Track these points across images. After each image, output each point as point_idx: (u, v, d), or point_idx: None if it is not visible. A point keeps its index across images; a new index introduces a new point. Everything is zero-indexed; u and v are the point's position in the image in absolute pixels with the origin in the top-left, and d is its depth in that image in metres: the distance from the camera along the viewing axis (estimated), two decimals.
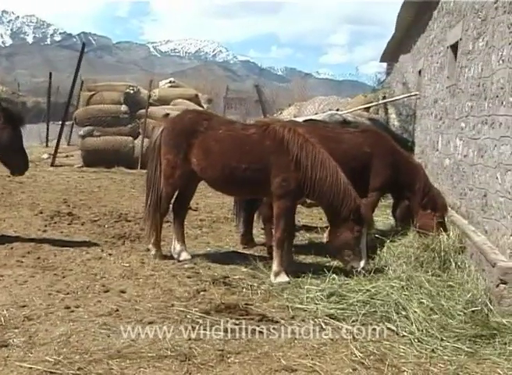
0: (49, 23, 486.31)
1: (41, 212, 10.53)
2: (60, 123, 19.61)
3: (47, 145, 23.38)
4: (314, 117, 14.32)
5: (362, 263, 6.92)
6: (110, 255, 7.91)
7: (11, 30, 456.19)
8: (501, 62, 7.04)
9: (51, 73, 26.56)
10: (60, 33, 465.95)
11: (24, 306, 5.77)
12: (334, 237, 7.12)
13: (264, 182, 7.17)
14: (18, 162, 8.30)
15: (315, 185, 7.02)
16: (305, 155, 7.04)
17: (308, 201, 8.31)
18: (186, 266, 7.52)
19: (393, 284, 6.45)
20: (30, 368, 4.50)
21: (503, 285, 6.06)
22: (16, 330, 5.18)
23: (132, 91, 19.14)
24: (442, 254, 7.58)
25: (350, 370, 4.78)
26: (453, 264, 7.43)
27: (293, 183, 7.06)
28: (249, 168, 7.18)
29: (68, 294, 6.23)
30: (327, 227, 7.63)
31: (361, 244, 6.96)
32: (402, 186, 8.84)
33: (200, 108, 17.86)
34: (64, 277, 6.81)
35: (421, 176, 8.88)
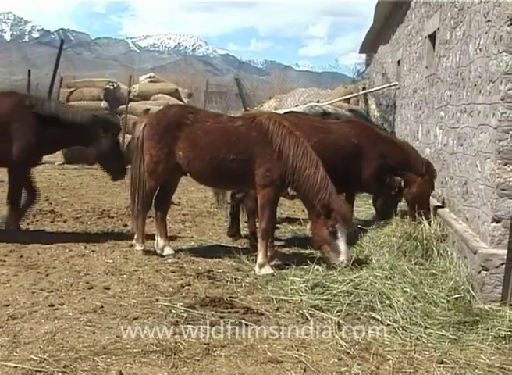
0: (27, 19, 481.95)
1: None
2: None
3: None
4: (294, 109, 14.34)
5: (341, 258, 6.87)
6: (93, 251, 7.89)
7: None
8: (478, 51, 7.09)
9: (29, 71, 26.25)
10: (38, 30, 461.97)
11: (8, 305, 5.74)
12: (313, 234, 7.15)
13: (251, 173, 7.24)
14: (119, 169, 8.78)
15: (294, 175, 7.08)
16: (287, 145, 7.10)
17: (291, 193, 8.34)
18: (169, 260, 7.52)
19: (377, 274, 6.49)
20: (16, 367, 4.47)
21: (485, 272, 6.12)
22: (0, 330, 5.15)
23: (112, 87, 19.10)
24: (425, 242, 7.65)
25: (336, 360, 4.80)
26: (436, 252, 7.49)
27: (276, 173, 7.11)
28: (236, 159, 7.24)
29: (52, 291, 6.21)
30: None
31: (339, 239, 6.92)
32: (396, 167, 8.95)
33: (181, 103, 17.82)
34: (47, 275, 6.79)
35: (411, 151, 9.15)
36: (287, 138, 7.14)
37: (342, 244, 6.91)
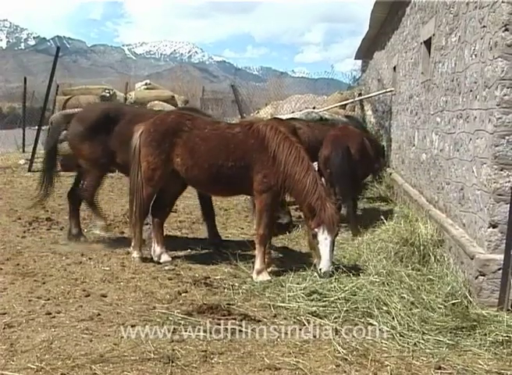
0: (23, 27, 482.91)
1: (20, 218, 10.45)
2: (36, 128, 19.46)
3: (23, 151, 23.19)
4: (290, 116, 14.36)
5: (321, 265, 6.82)
6: (90, 259, 7.87)
7: None
8: (474, 56, 7.11)
9: (25, 78, 26.36)
10: (34, 38, 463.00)
11: (4, 314, 5.72)
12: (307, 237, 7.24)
13: (248, 179, 7.27)
14: None
15: (286, 180, 7.11)
16: (281, 150, 7.15)
17: (287, 199, 8.36)
18: (166, 267, 7.51)
19: (374, 280, 6.50)
20: None
21: (482, 277, 6.13)
22: None
23: (108, 94, 19.06)
24: (422, 248, 7.65)
25: (334, 367, 4.80)
26: (433, 258, 7.50)
27: (273, 179, 7.14)
28: (234, 166, 7.28)
29: (49, 299, 6.19)
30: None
31: (321, 244, 6.86)
32: None
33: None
34: (44, 283, 6.77)
35: None
36: (281, 144, 7.18)
37: (323, 251, 6.85)
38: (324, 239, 6.85)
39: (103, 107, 9.31)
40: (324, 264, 6.81)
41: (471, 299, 6.15)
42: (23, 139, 24.11)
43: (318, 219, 6.87)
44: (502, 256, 6.03)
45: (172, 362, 4.74)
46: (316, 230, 6.87)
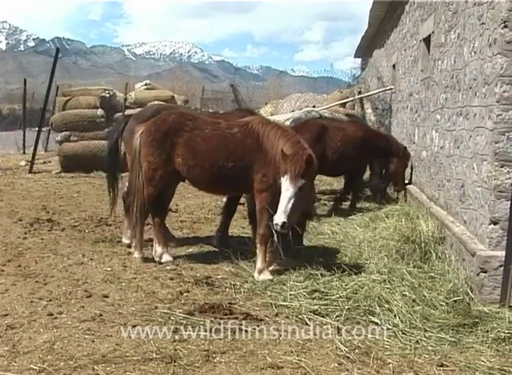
0: (22, 29, 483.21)
1: (21, 220, 10.44)
2: (36, 129, 19.48)
3: (24, 152, 23.21)
4: (290, 114, 14.37)
5: (275, 216, 6.53)
6: (91, 259, 7.87)
7: None
8: (473, 53, 7.11)
9: (25, 80, 26.36)
10: (33, 39, 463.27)
11: (6, 315, 5.72)
12: None
13: (249, 179, 7.27)
14: None
15: (278, 160, 6.95)
16: (270, 138, 7.16)
17: None
18: (168, 267, 7.51)
19: (375, 278, 6.51)
20: None
21: (483, 274, 6.12)
22: None
23: (108, 95, 19.01)
24: (423, 245, 7.66)
25: (336, 365, 4.80)
26: (434, 255, 7.50)
27: (272, 177, 7.10)
28: (235, 166, 7.28)
29: (50, 300, 6.19)
30: None
31: (282, 195, 6.58)
32: None
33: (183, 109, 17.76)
34: (46, 284, 6.77)
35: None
36: (270, 132, 7.20)
37: (281, 201, 6.60)
38: (285, 189, 6.61)
39: (158, 106, 9.46)
40: (276, 216, 6.56)
41: (473, 296, 6.15)
42: (24, 140, 24.14)
43: (284, 166, 6.65)
44: (503, 253, 6.03)
45: (175, 361, 4.74)
46: (282, 178, 6.68)
